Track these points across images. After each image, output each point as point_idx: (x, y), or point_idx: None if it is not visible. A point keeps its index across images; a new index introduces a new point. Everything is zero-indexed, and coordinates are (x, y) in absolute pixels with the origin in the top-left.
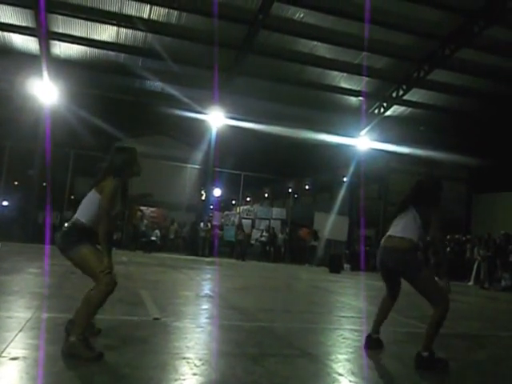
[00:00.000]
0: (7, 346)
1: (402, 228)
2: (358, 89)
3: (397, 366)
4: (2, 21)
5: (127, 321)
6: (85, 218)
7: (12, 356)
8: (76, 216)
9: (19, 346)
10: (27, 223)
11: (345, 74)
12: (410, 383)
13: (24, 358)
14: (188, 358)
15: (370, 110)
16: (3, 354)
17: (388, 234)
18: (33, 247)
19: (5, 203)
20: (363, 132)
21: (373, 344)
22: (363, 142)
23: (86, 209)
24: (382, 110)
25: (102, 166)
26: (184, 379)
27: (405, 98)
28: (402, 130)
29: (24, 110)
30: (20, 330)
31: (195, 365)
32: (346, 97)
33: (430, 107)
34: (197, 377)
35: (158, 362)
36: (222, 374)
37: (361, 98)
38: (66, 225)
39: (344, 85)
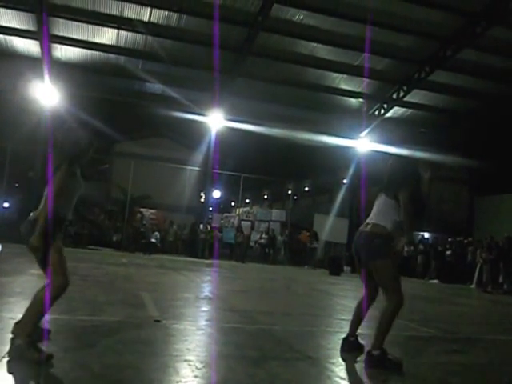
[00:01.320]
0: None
1: (375, 214)
2: (359, 90)
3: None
4: (4, 24)
5: (128, 322)
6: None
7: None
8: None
9: (20, 347)
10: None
11: (345, 76)
12: None
13: (25, 359)
14: (189, 361)
15: (371, 112)
16: (4, 356)
17: (366, 221)
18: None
19: (6, 205)
20: (363, 134)
21: (348, 347)
22: (363, 143)
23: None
24: (382, 111)
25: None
26: (186, 381)
27: (405, 99)
28: (403, 131)
29: (25, 113)
30: None
31: (196, 367)
32: (346, 98)
33: (431, 108)
34: (198, 379)
35: (159, 364)
36: (223, 376)
37: (361, 100)
38: (31, 215)
39: (344, 86)
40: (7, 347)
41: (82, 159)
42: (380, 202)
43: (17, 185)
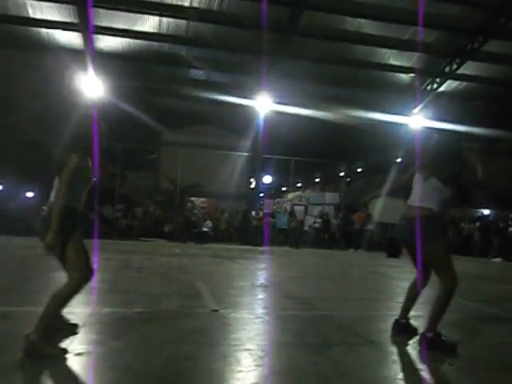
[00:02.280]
0: (71, 342)
1: (418, 196)
2: (409, 65)
3: (464, 352)
4: (46, 18)
5: (185, 313)
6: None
7: (77, 352)
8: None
9: (83, 341)
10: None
11: (394, 51)
12: (480, 369)
13: (88, 353)
14: (249, 349)
15: (423, 87)
16: (68, 350)
17: (408, 203)
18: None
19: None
20: (416, 110)
21: (399, 329)
22: (416, 120)
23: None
24: (434, 85)
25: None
26: (247, 371)
27: (459, 71)
28: (457, 105)
29: (70, 106)
30: (82, 326)
31: (258, 356)
32: (397, 74)
33: (486, 80)
34: (261, 368)
35: (219, 353)
36: (286, 364)
37: (412, 75)
38: (44, 209)
39: (394, 62)
40: (68, 341)
41: (89, 146)
42: (422, 182)
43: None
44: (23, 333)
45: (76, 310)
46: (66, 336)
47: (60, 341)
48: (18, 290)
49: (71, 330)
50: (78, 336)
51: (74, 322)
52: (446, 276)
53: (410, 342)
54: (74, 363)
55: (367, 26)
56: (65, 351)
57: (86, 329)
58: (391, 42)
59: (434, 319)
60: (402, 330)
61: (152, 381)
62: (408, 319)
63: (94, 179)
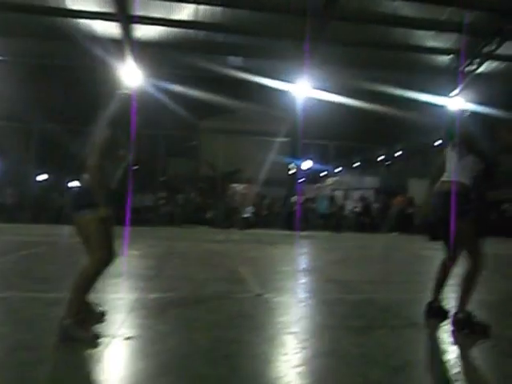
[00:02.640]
0: (120, 327)
1: (450, 171)
2: (447, 46)
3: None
4: (84, 9)
5: (229, 298)
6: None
7: (126, 336)
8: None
9: (131, 325)
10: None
11: (432, 32)
12: None
13: (137, 337)
14: (294, 333)
15: (461, 68)
16: (117, 334)
17: (442, 179)
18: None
19: None
20: (455, 92)
21: (432, 312)
22: (456, 102)
23: None
24: (474, 67)
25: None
26: (294, 353)
27: (498, 52)
28: (497, 86)
29: (109, 95)
30: (130, 311)
31: (302, 339)
32: (435, 56)
33: None
34: (306, 350)
35: (264, 337)
36: (331, 347)
37: (451, 56)
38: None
39: (432, 44)
40: (117, 326)
41: (124, 123)
42: (455, 157)
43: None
44: None
45: (123, 296)
46: (93, 324)
47: (101, 325)
48: (69, 277)
49: (98, 317)
50: (126, 320)
51: (101, 309)
52: (475, 254)
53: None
54: (124, 347)
55: (404, 8)
56: (99, 335)
57: (133, 314)
58: (429, 24)
59: (464, 299)
60: (435, 314)
61: (199, 363)
62: (440, 301)
63: (129, 163)
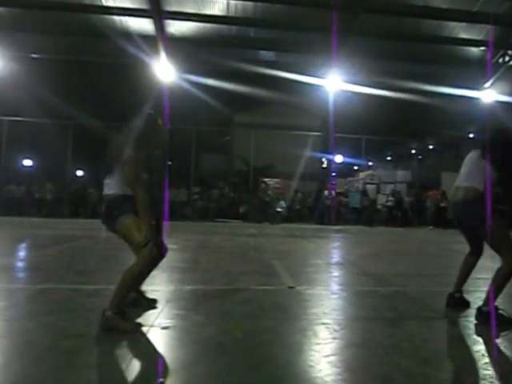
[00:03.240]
0: (157, 317)
1: (464, 176)
2: (479, 38)
3: None
4: (118, 5)
5: (263, 290)
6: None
7: (163, 325)
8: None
9: (168, 316)
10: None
11: (464, 24)
12: None
13: (174, 327)
14: (326, 324)
15: (494, 60)
16: (155, 324)
17: (455, 185)
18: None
19: None
20: (488, 84)
21: (453, 303)
22: (488, 94)
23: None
24: (506, 58)
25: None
26: (326, 343)
27: None
28: None
29: (145, 91)
30: (167, 302)
31: (334, 329)
32: (467, 48)
33: None
34: (337, 341)
35: (297, 327)
36: (362, 337)
37: (483, 48)
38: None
39: (463, 35)
40: (155, 316)
41: (150, 144)
42: (471, 162)
43: None
44: None
45: (160, 288)
46: (146, 310)
47: (140, 315)
48: (107, 270)
49: (150, 304)
50: (163, 311)
51: (153, 297)
52: (507, 254)
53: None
54: (161, 336)
55: (435, 0)
56: (140, 325)
57: (170, 304)
58: (460, 15)
59: (492, 295)
60: (456, 304)
61: (234, 352)
62: (462, 292)
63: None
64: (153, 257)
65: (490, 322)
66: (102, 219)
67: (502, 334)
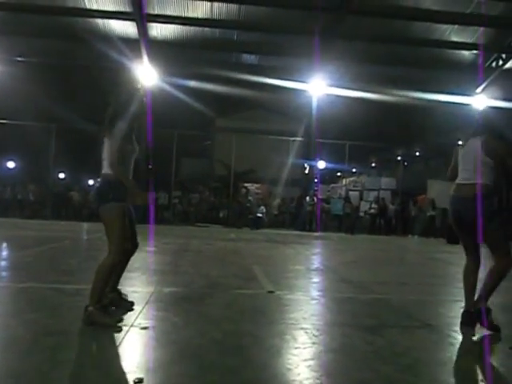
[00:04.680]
0: (137, 318)
1: (471, 172)
2: (472, 41)
3: None
4: (101, 8)
5: (242, 294)
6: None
7: (142, 326)
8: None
9: (147, 317)
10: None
11: (455, 27)
12: None
13: (153, 327)
14: (305, 328)
15: (487, 64)
16: (134, 324)
17: (457, 182)
18: (141, 227)
19: None
20: (480, 89)
21: (470, 320)
22: (480, 100)
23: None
24: (500, 62)
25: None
26: (304, 348)
27: None
28: None
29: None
30: (146, 303)
31: (313, 334)
32: (458, 51)
33: None
34: (316, 345)
35: (276, 331)
36: (341, 343)
37: (475, 52)
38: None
39: (455, 38)
40: (134, 317)
41: (136, 119)
42: (474, 156)
43: None
44: None
45: (139, 289)
46: (124, 312)
47: (121, 316)
48: (88, 270)
49: (127, 307)
50: (143, 312)
51: (131, 300)
52: (502, 255)
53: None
54: (141, 336)
55: (426, 1)
56: (120, 321)
57: (149, 306)
58: (452, 17)
59: (483, 296)
60: (473, 321)
61: (213, 353)
62: (476, 307)
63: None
64: (122, 250)
65: (475, 324)
66: (94, 196)
67: (489, 342)
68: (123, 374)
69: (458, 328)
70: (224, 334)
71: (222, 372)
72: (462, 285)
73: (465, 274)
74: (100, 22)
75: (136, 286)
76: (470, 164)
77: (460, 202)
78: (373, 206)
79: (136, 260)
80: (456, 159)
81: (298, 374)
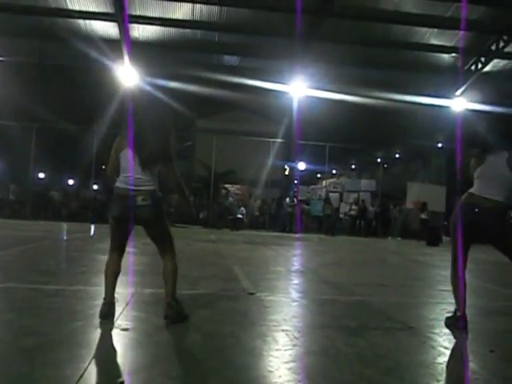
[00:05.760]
0: (117, 319)
1: (506, 192)
2: (452, 44)
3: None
4: (83, 9)
5: (223, 295)
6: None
7: (123, 327)
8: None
9: (128, 318)
10: None
11: (435, 30)
12: None
13: (133, 328)
14: (286, 330)
15: (466, 67)
16: (115, 326)
17: (480, 194)
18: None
19: (95, 187)
20: (459, 92)
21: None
22: (459, 103)
23: None
24: (479, 65)
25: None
26: (285, 350)
27: (506, 49)
28: (505, 86)
29: (109, 95)
30: (127, 304)
31: (295, 336)
32: (438, 54)
33: None
34: (297, 347)
35: (257, 333)
36: (323, 345)
37: (455, 55)
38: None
39: (435, 41)
40: (114, 318)
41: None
42: (498, 174)
43: (104, 167)
44: (73, 309)
45: (120, 290)
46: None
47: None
48: (68, 271)
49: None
50: (123, 313)
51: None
52: None
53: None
54: (121, 337)
55: (406, 5)
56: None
57: (129, 307)
58: (432, 21)
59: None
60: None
61: (194, 355)
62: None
63: None
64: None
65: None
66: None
67: (470, 345)
68: (104, 376)
69: (438, 330)
70: (205, 335)
71: (202, 373)
72: (442, 287)
73: (454, 279)
74: (81, 22)
75: (116, 286)
76: (496, 181)
77: (485, 210)
78: (353, 207)
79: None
80: (473, 169)
81: (279, 376)
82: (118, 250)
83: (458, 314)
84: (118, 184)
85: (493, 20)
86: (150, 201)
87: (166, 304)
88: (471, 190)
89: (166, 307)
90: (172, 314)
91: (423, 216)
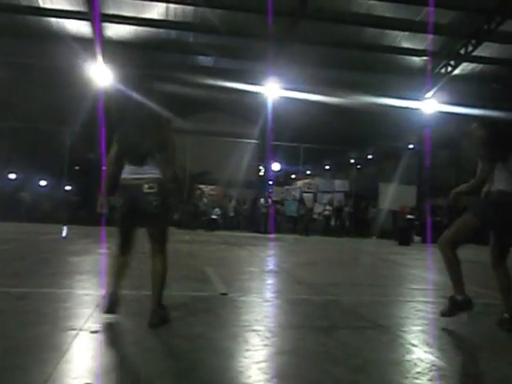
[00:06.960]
0: (87, 321)
1: None
2: (422, 48)
3: (473, 337)
4: (55, 7)
5: (195, 296)
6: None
7: (92, 329)
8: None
9: (97, 320)
10: (91, 207)
11: (406, 33)
12: (486, 353)
13: (103, 331)
14: (258, 331)
15: (436, 70)
16: (84, 328)
17: (502, 188)
18: (98, 230)
19: (68, 188)
20: (429, 94)
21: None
22: (430, 104)
23: None
24: (449, 68)
25: None
26: (256, 350)
27: (475, 53)
28: (473, 89)
29: (81, 95)
30: (96, 306)
31: (266, 336)
32: (409, 57)
33: (504, 62)
34: (268, 348)
35: (229, 334)
36: (294, 345)
37: (425, 58)
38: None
39: (406, 44)
40: (84, 320)
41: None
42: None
43: (77, 167)
44: (41, 311)
45: (90, 292)
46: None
47: (70, 319)
48: (37, 273)
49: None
50: (93, 315)
51: (81, 303)
52: None
53: (419, 326)
54: (90, 339)
55: (378, 8)
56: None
57: (100, 309)
58: (403, 24)
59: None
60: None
61: (165, 356)
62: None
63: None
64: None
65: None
66: (153, 195)
67: (438, 342)
68: (72, 379)
69: (408, 328)
70: (176, 336)
71: (173, 375)
72: (412, 286)
73: (495, 277)
74: (54, 20)
75: (87, 288)
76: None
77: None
78: (327, 207)
79: (87, 262)
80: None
81: (250, 377)
82: (122, 248)
83: None
84: (123, 175)
85: (462, 25)
86: (157, 188)
87: (151, 311)
88: (500, 188)
89: (151, 314)
90: (157, 323)
91: (409, 216)
